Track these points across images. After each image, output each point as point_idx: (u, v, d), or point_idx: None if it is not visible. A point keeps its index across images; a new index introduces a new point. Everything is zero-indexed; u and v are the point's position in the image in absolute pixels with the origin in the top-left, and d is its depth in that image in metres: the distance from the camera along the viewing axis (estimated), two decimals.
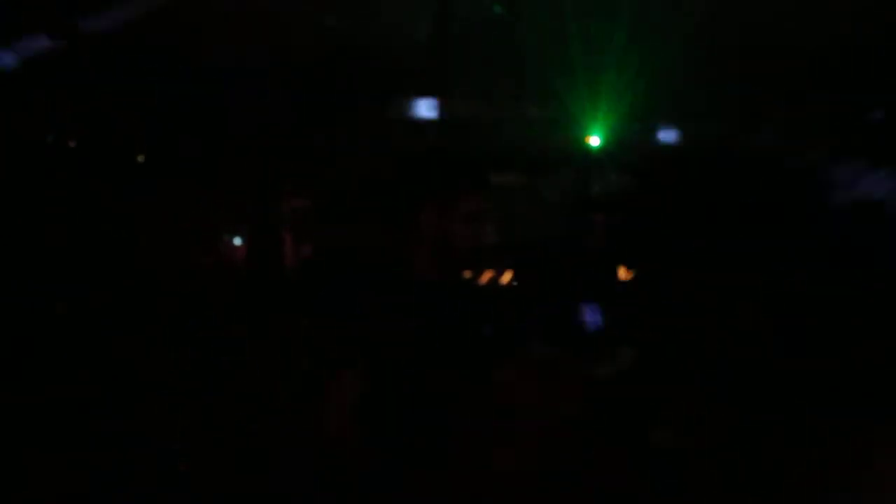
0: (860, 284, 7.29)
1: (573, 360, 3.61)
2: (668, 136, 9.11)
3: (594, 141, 8.85)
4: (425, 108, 7.74)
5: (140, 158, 7.11)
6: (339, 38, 6.35)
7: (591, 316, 3.79)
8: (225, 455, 4.68)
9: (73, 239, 6.52)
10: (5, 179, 6.42)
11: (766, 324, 6.45)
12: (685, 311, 5.31)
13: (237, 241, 7.30)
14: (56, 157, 6.83)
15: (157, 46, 6.61)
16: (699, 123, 8.81)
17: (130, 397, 5.19)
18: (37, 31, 6.27)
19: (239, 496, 4.37)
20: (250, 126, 7.39)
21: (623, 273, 4.26)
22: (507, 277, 6.48)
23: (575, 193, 8.15)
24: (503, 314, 3.26)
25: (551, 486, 3.59)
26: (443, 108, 7.81)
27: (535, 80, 7.39)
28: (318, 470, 2.45)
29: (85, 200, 6.73)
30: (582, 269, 3.86)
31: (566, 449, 3.63)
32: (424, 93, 7.72)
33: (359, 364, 2.40)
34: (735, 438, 4.70)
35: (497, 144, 8.33)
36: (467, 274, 2.72)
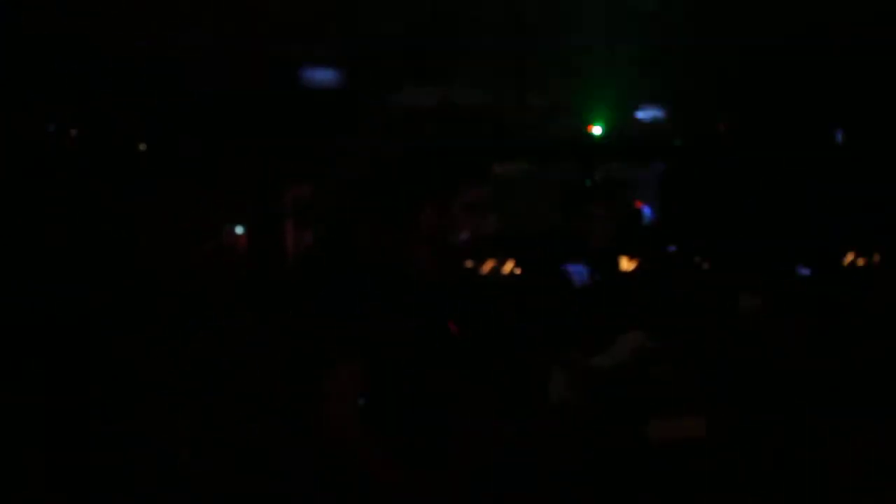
0: (860, 285, 7.29)
1: (574, 354, 3.60)
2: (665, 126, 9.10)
3: (596, 130, 8.83)
4: (425, 98, 7.70)
5: (142, 147, 7.10)
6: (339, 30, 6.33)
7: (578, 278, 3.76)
8: (225, 455, 4.68)
9: (74, 239, 6.51)
10: (6, 179, 6.42)
11: (767, 324, 6.45)
12: (685, 310, 5.30)
13: (238, 230, 7.31)
14: (56, 156, 6.83)
15: (161, 44, 6.61)
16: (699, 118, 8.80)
17: (130, 397, 5.19)
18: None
19: (239, 496, 4.36)
20: (251, 121, 7.40)
21: (625, 265, 4.24)
22: (508, 267, 6.46)
23: (576, 183, 8.12)
24: (505, 311, 3.25)
25: (551, 485, 3.58)
26: (443, 98, 7.77)
27: (536, 68, 7.36)
28: (319, 470, 2.45)
29: (85, 200, 6.72)
30: (583, 261, 3.84)
31: (567, 448, 3.63)
32: (425, 82, 7.69)
33: (359, 363, 2.39)
34: (735, 438, 4.70)
35: (498, 133, 8.31)
36: (468, 264, 2.70)
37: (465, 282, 2.71)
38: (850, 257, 7.93)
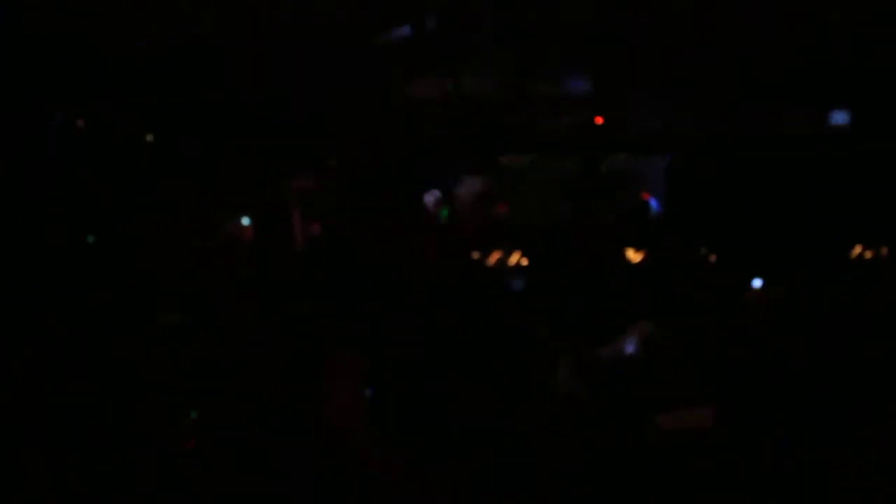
0: (862, 283, 7.29)
1: (580, 345, 3.60)
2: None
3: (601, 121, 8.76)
4: (431, 88, 7.63)
5: (149, 138, 7.07)
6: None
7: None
8: (225, 455, 4.68)
9: (74, 239, 6.51)
10: (6, 179, 6.42)
11: (768, 322, 6.46)
12: (691, 303, 5.30)
13: (245, 222, 7.27)
14: (56, 155, 6.83)
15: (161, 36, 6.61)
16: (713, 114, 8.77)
17: (130, 397, 5.19)
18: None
19: (239, 496, 4.37)
20: (253, 114, 7.39)
21: (632, 257, 4.25)
22: (514, 259, 6.46)
23: (581, 176, 8.08)
24: (510, 309, 3.24)
25: (551, 485, 3.58)
26: (450, 88, 7.70)
27: (544, 57, 7.29)
28: (319, 470, 2.45)
29: (85, 200, 6.72)
30: (587, 255, 3.85)
31: (567, 448, 3.63)
32: (430, 72, 7.63)
33: (359, 363, 2.40)
34: (735, 438, 4.70)
35: (506, 124, 8.26)
36: (476, 255, 2.70)
37: (466, 280, 2.70)
38: (856, 252, 7.93)
